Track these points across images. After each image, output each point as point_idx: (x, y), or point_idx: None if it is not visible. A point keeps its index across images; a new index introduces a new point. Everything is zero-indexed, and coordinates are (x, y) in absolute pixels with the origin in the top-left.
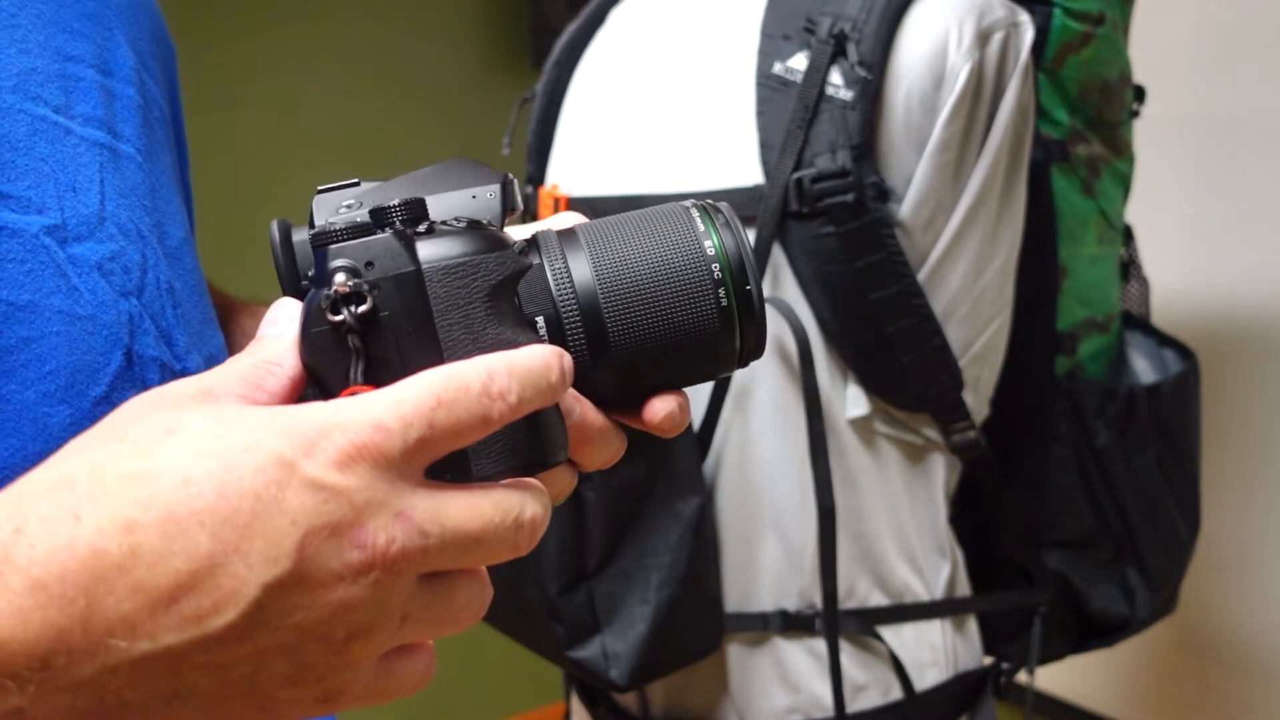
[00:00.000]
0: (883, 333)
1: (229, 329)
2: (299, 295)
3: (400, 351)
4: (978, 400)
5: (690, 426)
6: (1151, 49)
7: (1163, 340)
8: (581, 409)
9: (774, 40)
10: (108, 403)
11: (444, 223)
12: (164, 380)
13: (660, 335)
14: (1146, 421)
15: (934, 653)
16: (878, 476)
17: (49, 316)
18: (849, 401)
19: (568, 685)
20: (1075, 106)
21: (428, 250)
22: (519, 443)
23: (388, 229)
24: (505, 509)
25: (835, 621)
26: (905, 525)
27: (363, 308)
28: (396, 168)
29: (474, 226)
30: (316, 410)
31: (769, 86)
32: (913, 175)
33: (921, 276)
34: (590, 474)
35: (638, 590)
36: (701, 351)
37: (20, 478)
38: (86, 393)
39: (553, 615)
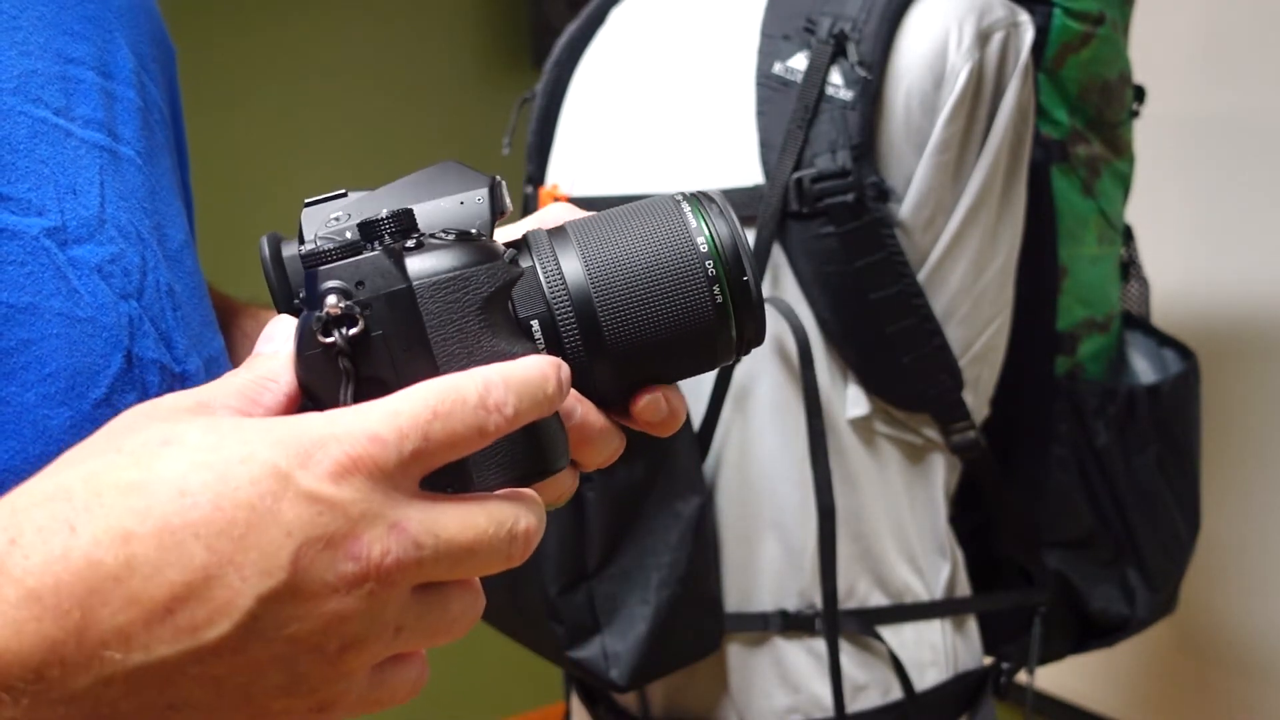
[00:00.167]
0: (883, 333)
1: (230, 332)
2: (293, 311)
3: (396, 369)
4: (978, 400)
5: (690, 426)
6: (1151, 49)
7: (1163, 340)
8: (583, 410)
9: (774, 40)
10: (108, 405)
11: (433, 236)
12: (164, 382)
13: (655, 327)
14: (1146, 421)
15: (934, 653)
16: (878, 476)
17: (49, 319)
18: (849, 401)
19: (568, 685)
20: (1075, 106)
21: (418, 266)
22: (519, 453)
23: (377, 244)
24: (499, 520)
25: (835, 621)
26: (905, 525)
27: (354, 330)
28: (396, 168)
29: (463, 238)
30: (312, 422)
31: (769, 86)
32: (913, 175)
33: (921, 276)
34: (590, 474)
35: (638, 590)
36: (697, 342)
37: (17, 485)
38: (86, 395)
39: (553, 615)
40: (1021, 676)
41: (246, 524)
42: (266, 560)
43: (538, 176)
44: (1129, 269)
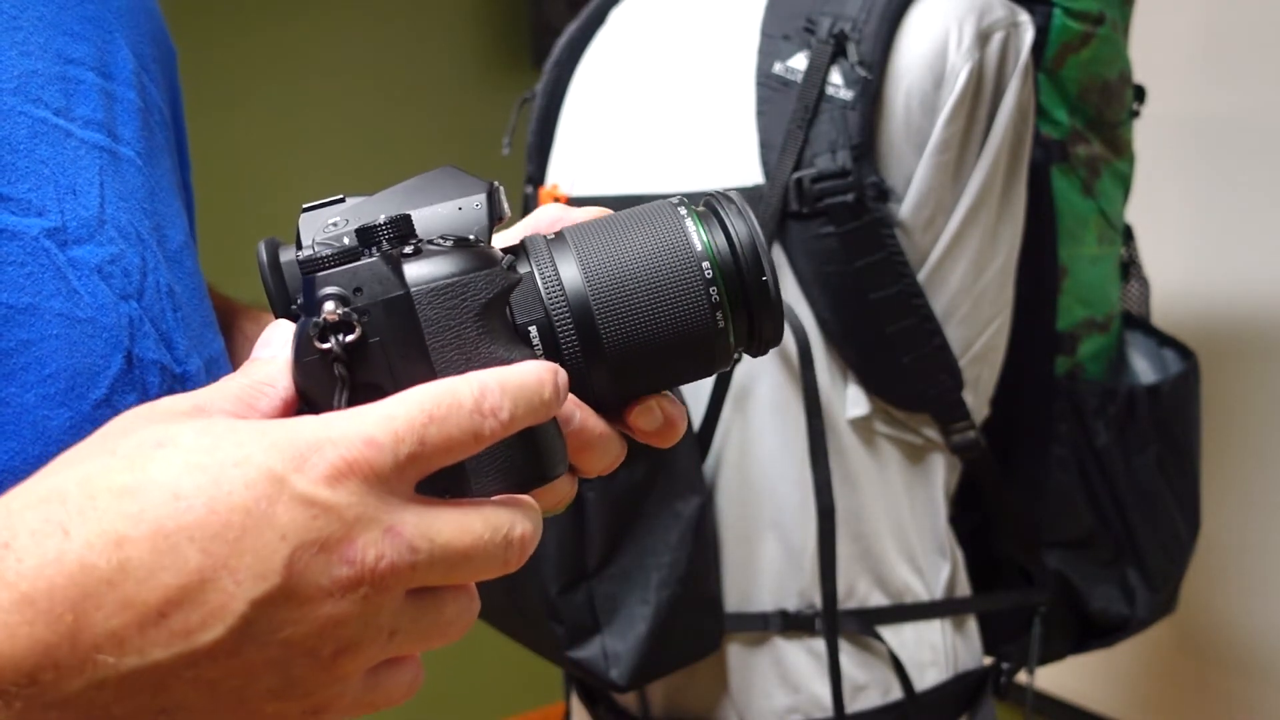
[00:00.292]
0: (883, 333)
1: (230, 334)
2: (291, 317)
3: (393, 375)
4: (978, 400)
5: (690, 426)
6: (1151, 49)
7: (1163, 340)
8: (581, 415)
9: (774, 40)
10: (108, 406)
11: (431, 242)
12: (165, 383)
13: (653, 333)
14: (1146, 421)
15: (934, 653)
16: (878, 476)
17: (49, 319)
18: (849, 401)
19: (568, 685)
20: (1075, 106)
21: (416, 272)
22: (517, 459)
23: (375, 250)
24: (495, 526)
25: (835, 621)
26: (905, 525)
27: (350, 336)
28: (396, 167)
29: (461, 244)
30: (307, 425)
31: (769, 86)
32: (913, 175)
33: (921, 276)
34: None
35: (638, 590)
36: (695, 347)
37: (12, 488)
38: (86, 396)
39: (553, 615)
40: (1021, 676)
41: (241, 527)
42: (261, 564)
43: (538, 177)
44: (1129, 269)
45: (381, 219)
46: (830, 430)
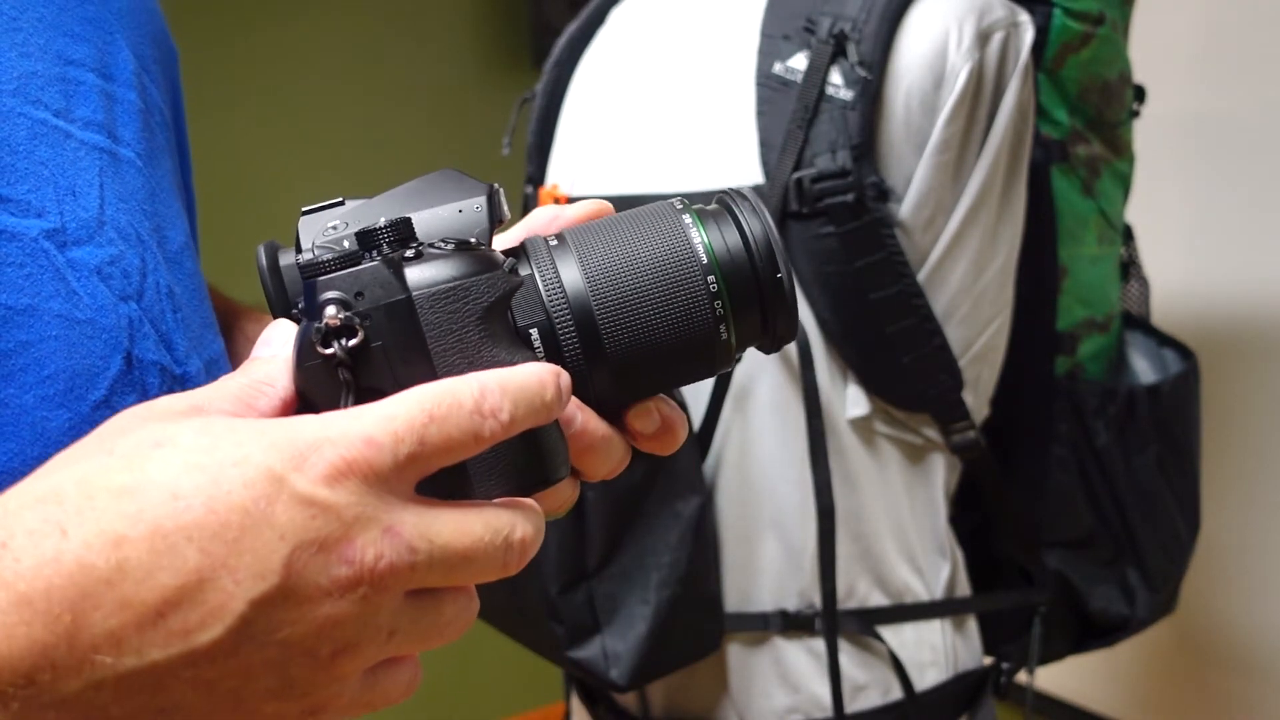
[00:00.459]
0: (883, 333)
1: (231, 334)
2: (291, 319)
3: (395, 379)
4: (978, 400)
5: (690, 427)
6: (1151, 49)
7: (1163, 340)
8: (583, 417)
9: (774, 40)
10: (107, 407)
11: (432, 245)
12: (164, 384)
13: (654, 334)
14: (1146, 421)
15: (934, 653)
16: (878, 476)
17: (48, 320)
18: (849, 401)
19: (568, 685)
20: (1075, 106)
21: (417, 276)
22: (520, 462)
23: (375, 253)
24: (495, 528)
25: (835, 621)
26: (905, 525)
27: (353, 341)
28: (396, 168)
29: (463, 248)
30: (306, 424)
31: (769, 86)
32: (913, 175)
33: (921, 276)
34: None
35: (638, 590)
36: (697, 348)
37: (9, 488)
38: (86, 397)
39: (553, 615)
40: (1021, 676)
41: (240, 527)
42: (259, 564)
43: (538, 177)
44: (1129, 269)
45: (382, 222)
46: (830, 430)
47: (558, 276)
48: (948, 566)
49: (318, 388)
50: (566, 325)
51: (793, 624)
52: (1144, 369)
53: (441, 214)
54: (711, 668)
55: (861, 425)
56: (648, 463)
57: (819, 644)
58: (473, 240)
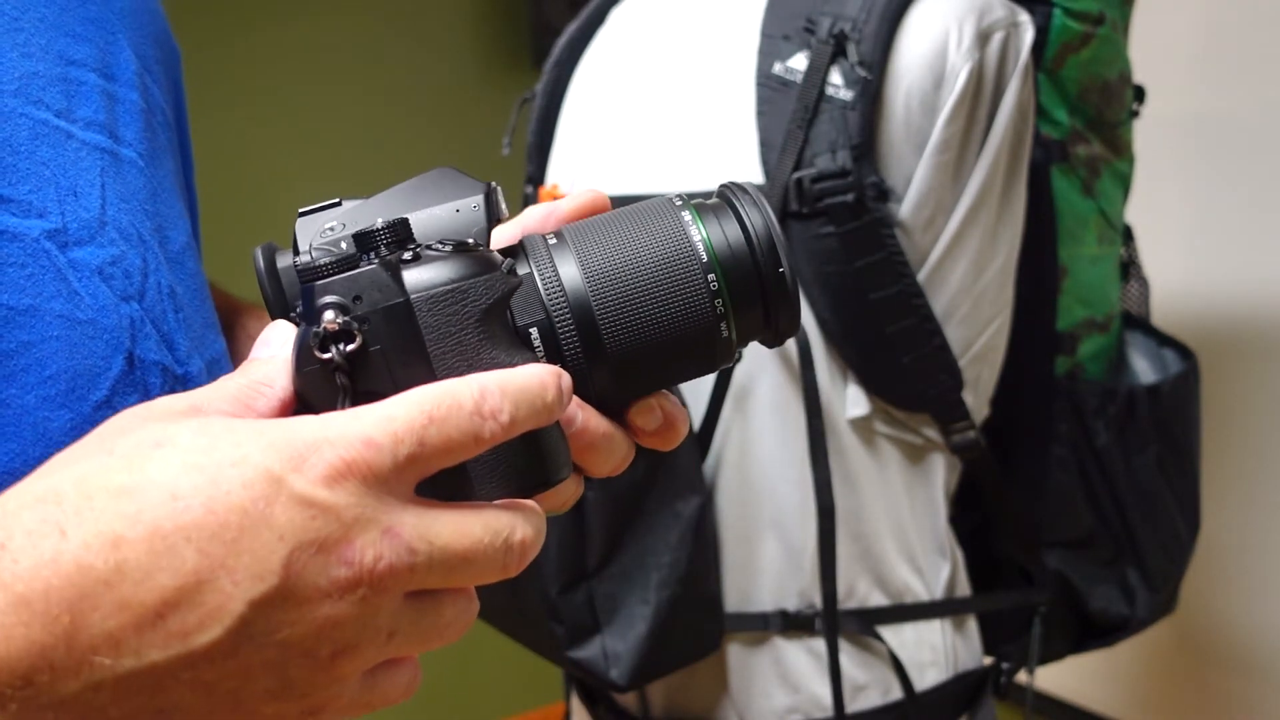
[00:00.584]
0: (883, 333)
1: (233, 332)
2: (291, 320)
3: (395, 383)
4: (978, 400)
5: (690, 426)
6: (1151, 49)
7: (1163, 340)
8: (584, 416)
9: (774, 40)
10: (109, 407)
11: (430, 247)
12: (166, 384)
13: (654, 330)
14: (1146, 421)
15: (934, 653)
16: (878, 476)
17: (49, 321)
18: (849, 401)
19: (568, 685)
20: (1075, 106)
21: (415, 278)
22: (520, 464)
23: (373, 256)
24: (495, 530)
25: (835, 621)
26: (905, 525)
27: (351, 346)
28: (396, 168)
29: (461, 249)
30: (306, 425)
31: (769, 87)
32: (913, 175)
33: (921, 276)
34: None
35: (638, 590)
36: (697, 344)
37: (7, 489)
38: (87, 397)
39: (553, 615)
40: (1021, 676)
41: (238, 528)
42: (258, 564)
43: (538, 176)
44: (1129, 269)
45: (379, 224)
46: (830, 430)
47: (557, 275)
48: (948, 566)
49: (316, 391)
50: (566, 324)
51: (793, 624)
52: (1144, 369)
53: (439, 214)
54: (711, 668)
55: (861, 425)
56: (648, 462)
57: (819, 644)
58: (470, 240)
